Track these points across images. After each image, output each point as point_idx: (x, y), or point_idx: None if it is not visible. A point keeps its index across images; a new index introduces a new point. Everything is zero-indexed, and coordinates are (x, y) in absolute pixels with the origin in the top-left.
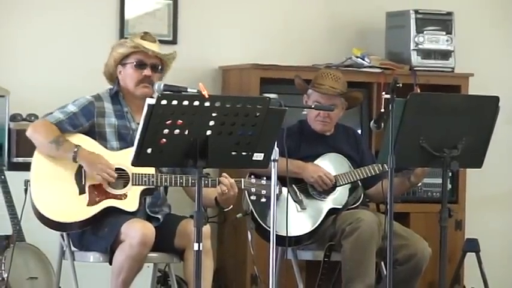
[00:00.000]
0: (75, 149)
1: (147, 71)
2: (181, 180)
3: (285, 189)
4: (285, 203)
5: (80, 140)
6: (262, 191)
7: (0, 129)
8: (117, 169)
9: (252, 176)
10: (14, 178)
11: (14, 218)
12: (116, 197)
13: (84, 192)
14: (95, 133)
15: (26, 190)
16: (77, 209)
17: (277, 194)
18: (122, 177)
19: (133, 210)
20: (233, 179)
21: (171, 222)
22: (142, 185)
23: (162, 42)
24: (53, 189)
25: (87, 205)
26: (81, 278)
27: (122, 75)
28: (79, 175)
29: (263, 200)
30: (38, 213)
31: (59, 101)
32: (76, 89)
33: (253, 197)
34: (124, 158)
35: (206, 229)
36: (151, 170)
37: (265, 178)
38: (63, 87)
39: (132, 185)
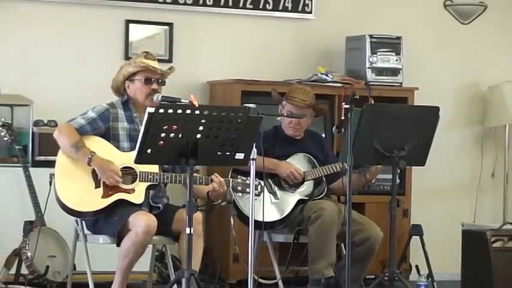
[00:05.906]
0: (90, 155)
1: (154, 85)
2: (180, 179)
3: (262, 183)
4: (262, 194)
5: (97, 142)
6: (247, 189)
7: (26, 133)
8: (126, 167)
9: (239, 176)
10: (37, 173)
11: (36, 206)
12: (125, 191)
13: (99, 187)
14: (110, 135)
15: (50, 182)
16: (93, 200)
17: (259, 192)
18: (131, 174)
19: (139, 202)
20: (223, 178)
21: (169, 210)
22: (147, 181)
23: (159, 60)
24: (73, 183)
25: (102, 197)
26: (93, 257)
27: (131, 89)
28: (95, 172)
29: (246, 197)
30: (60, 202)
31: (74, 109)
32: (88, 100)
33: (239, 194)
34: (133, 158)
35: (198, 216)
36: (155, 169)
37: (248, 178)
38: (77, 98)
39: (140, 181)
